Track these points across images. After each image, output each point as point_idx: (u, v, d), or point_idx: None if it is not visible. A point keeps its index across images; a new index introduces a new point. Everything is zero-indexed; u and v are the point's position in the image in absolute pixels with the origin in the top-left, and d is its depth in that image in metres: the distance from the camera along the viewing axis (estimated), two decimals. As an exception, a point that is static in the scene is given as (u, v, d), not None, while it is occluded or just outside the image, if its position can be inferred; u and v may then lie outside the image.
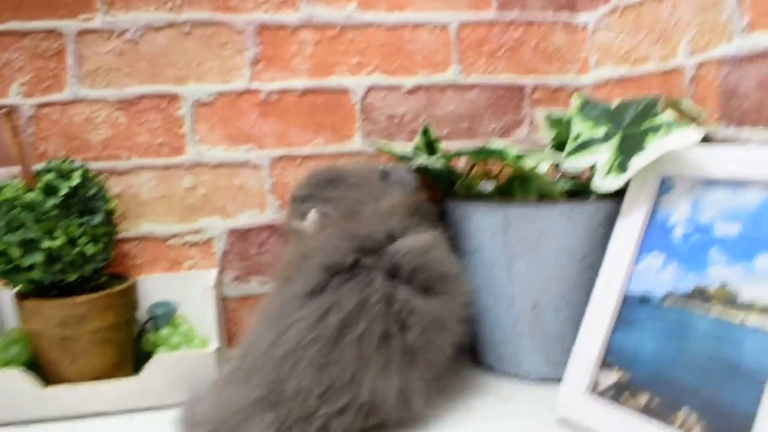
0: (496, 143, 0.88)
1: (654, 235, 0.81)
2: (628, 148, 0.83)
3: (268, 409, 0.76)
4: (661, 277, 0.78)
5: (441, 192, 1.06)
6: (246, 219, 1.11)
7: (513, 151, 0.88)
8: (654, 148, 0.80)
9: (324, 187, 0.96)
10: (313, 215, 0.90)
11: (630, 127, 0.86)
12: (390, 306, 0.79)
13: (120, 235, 1.05)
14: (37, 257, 0.88)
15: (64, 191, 0.90)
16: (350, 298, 0.78)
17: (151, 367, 0.92)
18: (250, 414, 0.76)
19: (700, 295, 0.74)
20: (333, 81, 1.11)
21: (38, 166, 0.97)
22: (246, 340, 0.83)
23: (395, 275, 0.82)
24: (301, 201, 0.97)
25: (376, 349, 0.77)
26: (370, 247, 0.83)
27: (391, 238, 0.85)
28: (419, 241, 0.85)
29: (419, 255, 0.84)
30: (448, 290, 0.86)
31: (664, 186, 0.83)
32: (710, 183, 0.78)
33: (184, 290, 1.08)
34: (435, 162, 0.98)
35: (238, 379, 0.79)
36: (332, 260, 0.81)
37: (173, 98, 1.07)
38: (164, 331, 1.04)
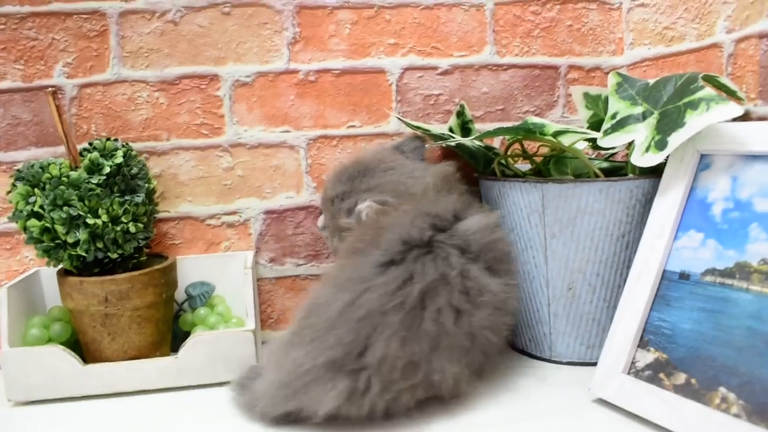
0: (535, 119, 0.88)
1: (692, 213, 0.81)
2: (667, 125, 0.83)
3: (341, 373, 0.74)
4: (701, 255, 0.78)
5: (476, 171, 1.06)
6: (282, 200, 1.12)
7: (552, 127, 0.88)
8: (694, 123, 0.79)
9: (360, 179, 0.96)
10: (368, 206, 0.90)
11: (668, 103, 0.85)
12: (465, 282, 0.80)
13: (159, 215, 1.07)
14: (82, 234, 0.89)
15: (107, 170, 0.91)
16: (430, 270, 0.78)
17: (189, 346, 0.94)
18: (319, 377, 0.75)
19: (740, 271, 0.74)
20: (369, 62, 1.11)
21: (81, 145, 0.98)
22: (310, 304, 0.81)
23: (466, 252, 0.82)
24: (341, 199, 0.97)
25: (452, 325, 0.77)
26: (442, 225, 0.84)
27: (457, 217, 0.86)
28: (485, 220, 0.86)
29: (487, 233, 0.85)
30: (509, 270, 0.87)
31: (703, 163, 0.82)
32: (750, 159, 0.78)
33: (221, 271, 1.09)
34: (472, 141, 0.98)
35: (305, 341, 0.77)
36: (411, 235, 0.81)
37: (213, 79, 1.08)
38: (201, 311, 1.05)
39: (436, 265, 0.79)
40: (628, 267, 0.88)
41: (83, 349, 0.97)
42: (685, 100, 0.83)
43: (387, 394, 0.75)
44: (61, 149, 1.05)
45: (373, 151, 1.01)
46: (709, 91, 0.81)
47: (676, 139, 0.80)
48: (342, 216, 0.95)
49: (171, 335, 1.03)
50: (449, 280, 0.79)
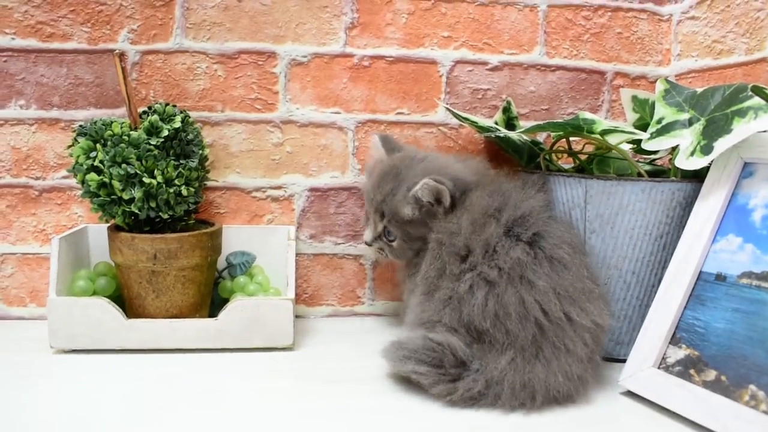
0: (587, 115, 0.90)
1: (732, 218, 0.83)
2: (714, 131, 0.85)
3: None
4: (738, 258, 0.80)
5: (519, 165, 1.09)
6: (327, 179, 1.15)
7: (602, 124, 0.90)
8: (740, 130, 0.81)
9: (403, 173, 0.98)
10: (424, 183, 0.92)
11: (716, 111, 0.87)
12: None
13: (207, 184, 1.10)
14: (137, 192, 0.93)
15: (165, 133, 0.95)
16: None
17: (230, 310, 0.97)
18: None
19: (777, 275, 0.76)
20: (422, 52, 1.14)
21: (139, 109, 1.01)
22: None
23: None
24: (393, 194, 0.97)
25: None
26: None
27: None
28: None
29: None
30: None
31: (746, 171, 0.84)
32: (794, 169, 0.80)
33: (262, 242, 1.12)
34: (519, 134, 1.01)
35: None
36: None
37: (270, 56, 1.11)
38: (241, 279, 1.08)
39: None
40: (664, 268, 0.90)
41: (126, 304, 1.00)
42: (734, 108, 0.85)
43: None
44: (119, 112, 1.08)
45: (391, 158, 1.02)
46: (758, 100, 0.83)
47: (722, 145, 0.83)
48: (403, 208, 0.96)
49: (210, 300, 1.06)
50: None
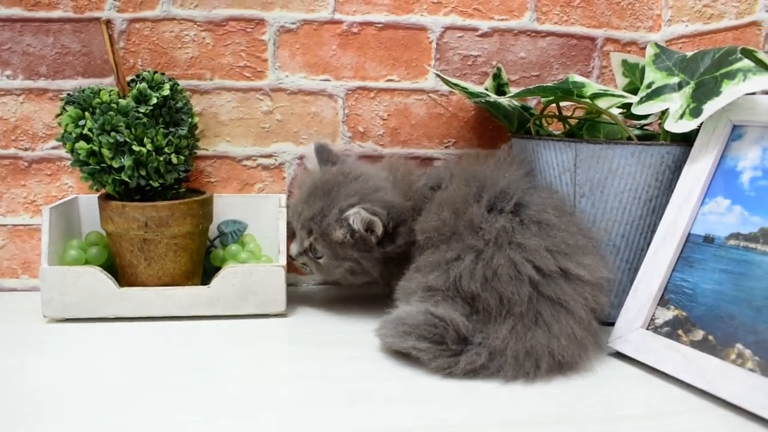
0: (577, 78, 0.90)
1: (721, 180, 0.84)
2: (703, 93, 0.85)
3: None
4: (726, 220, 0.81)
5: (509, 131, 1.09)
6: (317, 147, 1.14)
7: (592, 87, 0.90)
8: (730, 92, 0.82)
9: (335, 191, 0.97)
10: (356, 213, 0.92)
11: (705, 74, 0.87)
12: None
13: (197, 153, 1.09)
14: (126, 160, 0.92)
15: (154, 101, 0.94)
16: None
17: (222, 277, 0.97)
18: None
19: (764, 236, 0.76)
20: (412, 18, 1.14)
21: (128, 77, 1.01)
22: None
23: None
24: (323, 214, 0.96)
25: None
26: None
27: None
28: None
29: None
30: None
31: (735, 133, 0.85)
32: (783, 131, 0.81)
33: (253, 211, 1.12)
34: (509, 100, 1.01)
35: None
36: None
37: (259, 23, 1.10)
38: (233, 248, 1.08)
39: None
40: (653, 231, 0.90)
41: (119, 272, 1.00)
42: (723, 70, 0.85)
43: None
44: (107, 81, 1.08)
45: (323, 172, 1.01)
46: (747, 62, 0.83)
47: (711, 107, 0.83)
48: (334, 229, 0.94)
49: (202, 268, 1.06)
50: None
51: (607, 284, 0.85)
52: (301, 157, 1.14)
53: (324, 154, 1.04)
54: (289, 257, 1.02)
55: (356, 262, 0.96)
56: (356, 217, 0.92)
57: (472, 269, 0.82)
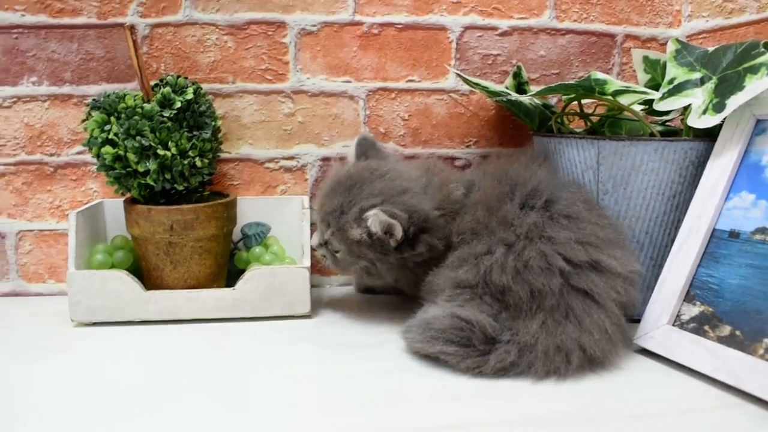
0: (599, 75, 0.90)
1: (745, 175, 0.83)
2: (726, 89, 0.85)
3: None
4: (751, 214, 0.80)
5: (531, 129, 1.09)
6: (339, 148, 1.15)
7: (614, 84, 0.90)
8: (753, 86, 0.81)
9: (357, 188, 0.95)
10: (375, 215, 0.89)
11: (728, 69, 0.87)
12: None
13: (220, 156, 1.10)
14: (152, 164, 0.93)
15: (178, 104, 0.95)
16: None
17: (247, 279, 0.98)
18: None
19: (791, 230, 0.76)
20: (432, 18, 1.14)
21: (151, 82, 1.01)
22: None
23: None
24: (342, 211, 0.94)
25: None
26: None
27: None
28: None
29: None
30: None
31: (759, 128, 0.84)
32: (808, 124, 0.80)
33: (276, 213, 1.13)
34: (531, 98, 1.01)
35: None
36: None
37: (280, 26, 1.11)
38: (256, 250, 1.09)
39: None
40: (677, 227, 0.90)
41: (144, 275, 1.01)
42: (746, 65, 0.85)
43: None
44: (131, 86, 1.09)
45: (351, 166, 1.00)
46: (769, 57, 0.83)
47: (734, 102, 0.83)
48: (351, 227, 0.93)
49: (227, 271, 1.07)
50: None
51: (638, 278, 0.85)
52: (323, 159, 1.15)
53: (363, 147, 1.02)
54: (311, 247, 1.02)
55: (371, 263, 0.95)
56: (375, 219, 0.89)
57: (503, 262, 0.82)
